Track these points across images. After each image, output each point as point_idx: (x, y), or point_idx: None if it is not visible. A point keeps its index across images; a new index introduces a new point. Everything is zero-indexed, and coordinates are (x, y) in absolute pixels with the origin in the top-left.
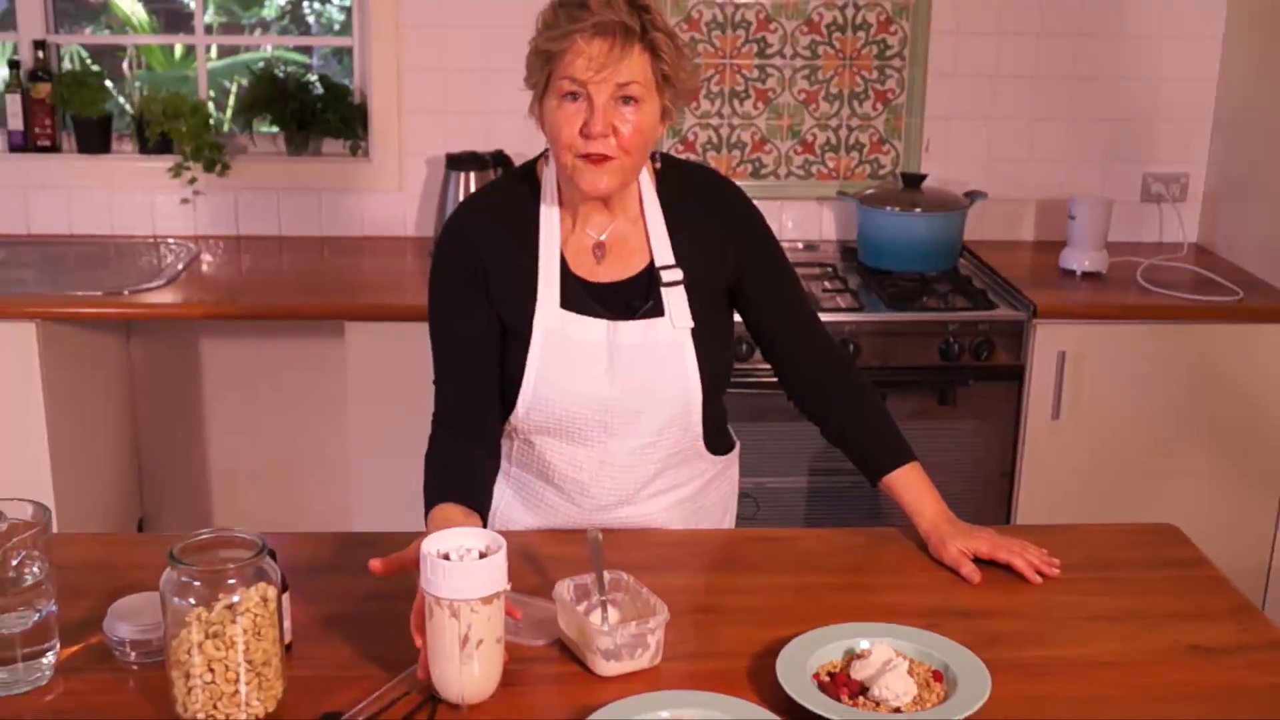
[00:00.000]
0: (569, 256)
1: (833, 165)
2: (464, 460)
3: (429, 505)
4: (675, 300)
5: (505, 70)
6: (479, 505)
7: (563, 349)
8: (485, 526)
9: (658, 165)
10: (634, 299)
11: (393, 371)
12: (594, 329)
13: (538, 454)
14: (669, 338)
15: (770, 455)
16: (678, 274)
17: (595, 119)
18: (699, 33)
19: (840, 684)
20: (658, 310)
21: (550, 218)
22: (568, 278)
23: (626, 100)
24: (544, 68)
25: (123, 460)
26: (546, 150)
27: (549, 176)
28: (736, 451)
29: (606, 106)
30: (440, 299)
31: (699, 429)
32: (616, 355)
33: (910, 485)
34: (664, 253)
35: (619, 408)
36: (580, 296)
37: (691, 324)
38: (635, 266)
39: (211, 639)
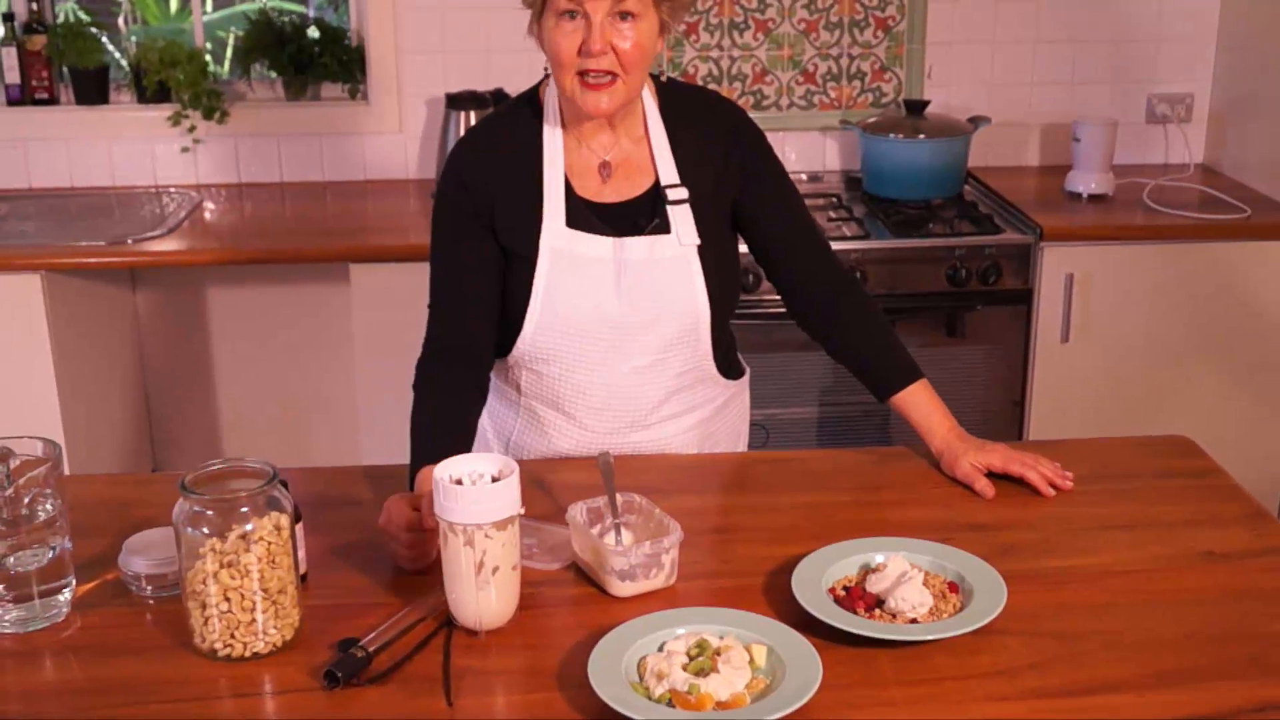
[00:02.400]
0: (574, 178)
1: (835, 95)
2: (453, 407)
3: (416, 457)
4: (681, 218)
5: (502, 7)
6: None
7: (570, 266)
8: None
9: (661, 81)
10: (640, 218)
11: (398, 312)
12: (600, 246)
13: (546, 382)
14: (675, 254)
15: (780, 385)
16: (683, 193)
17: (594, 37)
18: None
19: (856, 597)
20: (664, 228)
21: (553, 140)
22: (572, 198)
23: (624, 16)
24: None
25: (133, 410)
26: (548, 74)
27: (551, 99)
28: (747, 379)
29: (604, 24)
30: (443, 227)
31: (708, 348)
32: (624, 270)
33: (920, 403)
34: (669, 172)
35: (627, 323)
36: (585, 215)
37: (698, 241)
38: (641, 186)
39: (226, 568)
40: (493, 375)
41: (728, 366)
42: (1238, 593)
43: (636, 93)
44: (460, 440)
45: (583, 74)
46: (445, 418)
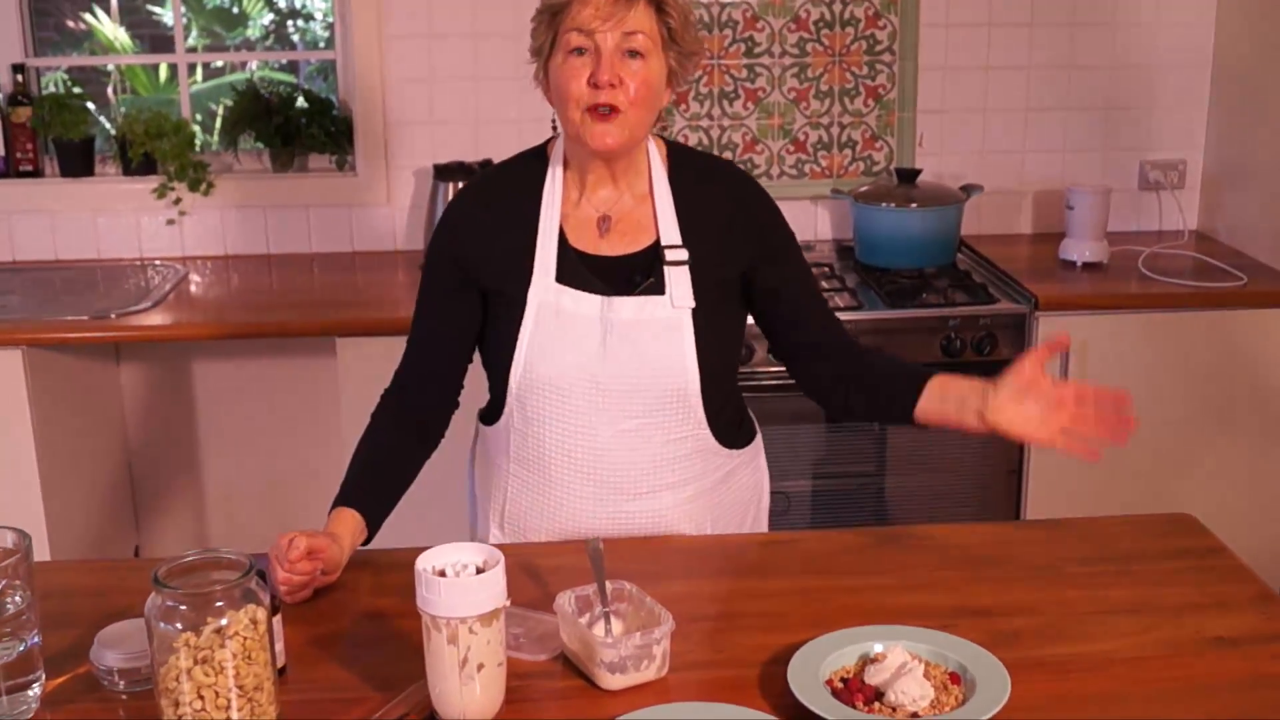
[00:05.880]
0: (571, 230)
1: (826, 163)
2: (394, 452)
3: (342, 493)
4: (678, 280)
5: (490, 78)
6: (385, 507)
7: (555, 322)
8: (374, 533)
9: (664, 148)
10: (635, 274)
11: (385, 386)
12: (588, 303)
13: (532, 444)
14: (667, 316)
15: (773, 460)
16: (683, 254)
17: (603, 67)
18: None
19: (855, 689)
20: (658, 288)
21: (554, 191)
22: (566, 252)
23: (633, 54)
24: (550, 25)
25: (116, 487)
26: (556, 133)
27: (557, 151)
28: (757, 447)
29: (614, 56)
30: (428, 280)
31: (701, 415)
32: (610, 330)
33: (944, 389)
34: (671, 232)
35: (611, 383)
36: (577, 270)
37: (692, 304)
38: (640, 243)
39: (200, 664)
40: (480, 447)
41: (729, 436)
42: (1250, 681)
43: (641, 134)
44: (390, 486)
45: (591, 109)
46: (381, 460)
